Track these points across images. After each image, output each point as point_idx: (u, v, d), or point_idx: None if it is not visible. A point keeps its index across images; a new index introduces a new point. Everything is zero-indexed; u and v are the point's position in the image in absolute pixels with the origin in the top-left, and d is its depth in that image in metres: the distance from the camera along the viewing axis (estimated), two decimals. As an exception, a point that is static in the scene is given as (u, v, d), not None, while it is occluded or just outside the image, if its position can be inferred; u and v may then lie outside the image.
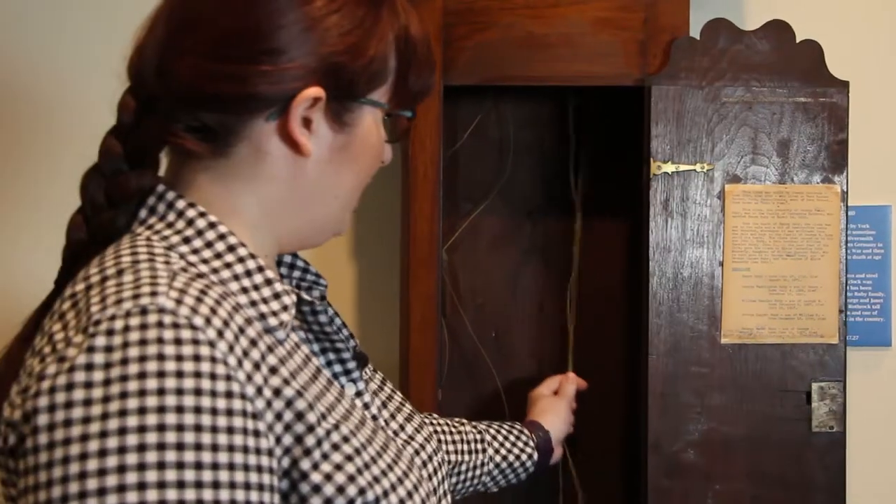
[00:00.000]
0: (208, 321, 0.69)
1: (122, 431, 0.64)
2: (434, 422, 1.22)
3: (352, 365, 0.87)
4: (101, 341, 0.67)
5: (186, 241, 0.77)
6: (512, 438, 1.25)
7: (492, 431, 1.25)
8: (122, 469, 0.64)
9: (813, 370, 1.39)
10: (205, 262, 0.77)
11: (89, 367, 0.66)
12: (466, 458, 1.19)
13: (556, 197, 1.60)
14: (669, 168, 1.38)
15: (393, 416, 0.91)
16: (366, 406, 0.88)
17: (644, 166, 1.40)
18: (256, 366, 0.71)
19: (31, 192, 1.62)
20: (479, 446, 1.21)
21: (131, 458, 0.64)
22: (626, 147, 1.51)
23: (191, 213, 0.79)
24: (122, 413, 0.65)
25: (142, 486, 0.64)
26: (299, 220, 0.84)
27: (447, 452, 1.19)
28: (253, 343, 0.72)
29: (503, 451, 1.23)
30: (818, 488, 1.38)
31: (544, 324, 1.60)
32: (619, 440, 1.57)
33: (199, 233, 0.78)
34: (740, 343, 1.39)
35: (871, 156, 1.60)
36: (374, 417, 0.88)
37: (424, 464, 0.89)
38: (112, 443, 0.64)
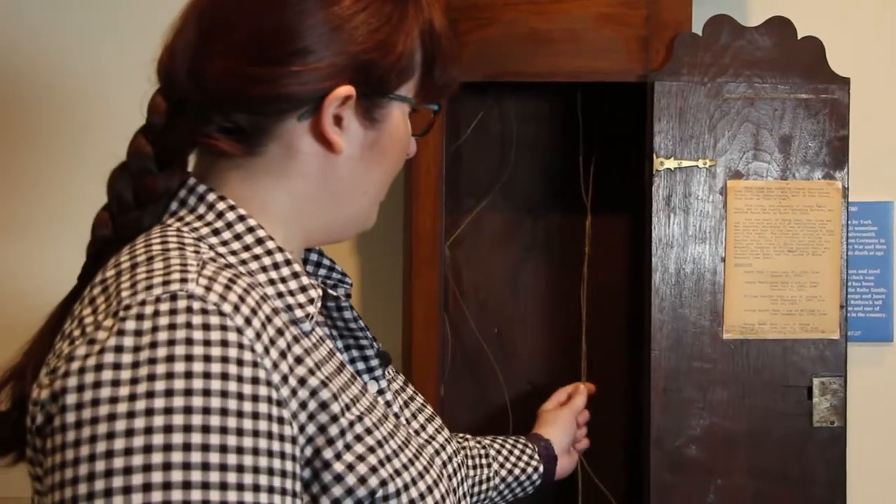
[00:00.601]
0: (237, 308, 0.70)
1: (150, 413, 0.65)
2: None
3: (375, 363, 0.88)
4: (130, 325, 0.68)
5: (216, 232, 0.79)
6: (517, 452, 1.25)
7: (496, 446, 1.25)
8: (147, 449, 0.64)
9: (814, 365, 1.40)
10: (233, 253, 0.78)
11: (118, 349, 0.67)
12: (472, 472, 1.19)
13: (558, 193, 1.60)
14: (672, 164, 1.39)
15: (414, 416, 0.92)
16: (388, 404, 0.88)
17: (647, 162, 1.40)
18: (283, 354, 0.72)
19: (52, 190, 1.62)
20: (484, 461, 1.21)
21: (157, 440, 0.65)
22: (629, 143, 1.51)
23: (221, 205, 0.80)
24: (150, 395, 0.65)
25: (167, 467, 0.64)
26: (329, 215, 0.85)
27: None
28: (280, 332, 0.73)
29: (508, 465, 1.23)
30: (819, 483, 1.39)
31: (547, 319, 1.60)
32: (621, 435, 1.58)
33: (229, 225, 0.79)
34: (742, 338, 1.39)
35: (873, 152, 1.60)
36: (396, 415, 0.88)
37: (445, 463, 0.89)
38: (139, 423, 0.65)
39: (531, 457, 1.25)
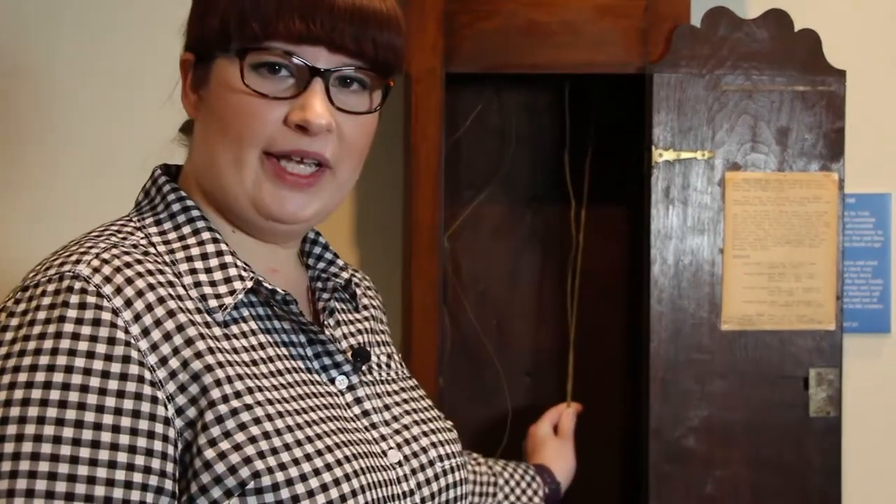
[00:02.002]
0: (118, 290, 0.73)
1: (12, 386, 0.69)
2: None
3: (340, 358, 0.86)
4: (21, 306, 0.73)
5: (158, 223, 0.83)
6: (523, 485, 1.27)
7: (505, 475, 1.26)
8: (3, 421, 0.68)
9: (811, 356, 1.40)
10: (166, 243, 0.81)
11: (4, 329, 0.72)
12: (478, 500, 1.20)
13: (557, 185, 1.60)
14: (670, 156, 1.39)
15: (396, 418, 0.88)
16: (357, 401, 0.86)
17: (645, 154, 1.40)
18: (167, 336, 0.74)
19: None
20: (492, 489, 1.22)
21: (14, 411, 0.68)
22: (627, 135, 1.52)
23: (171, 196, 0.84)
24: (16, 370, 0.69)
25: (19, 438, 0.67)
26: (212, 189, 0.85)
27: None
28: (171, 314, 0.75)
29: (512, 498, 1.25)
30: (815, 472, 1.40)
31: (546, 311, 1.60)
32: (619, 426, 1.58)
33: (172, 216, 0.83)
34: (740, 330, 1.40)
35: (871, 144, 1.61)
36: (366, 413, 0.85)
37: (422, 467, 0.85)
38: (0, 396, 0.69)
39: (535, 492, 1.28)
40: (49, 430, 0.68)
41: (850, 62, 1.43)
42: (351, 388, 0.86)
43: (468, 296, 1.59)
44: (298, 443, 0.75)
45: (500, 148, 1.60)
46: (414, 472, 0.85)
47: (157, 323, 0.74)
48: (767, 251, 1.41)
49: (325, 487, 0.74)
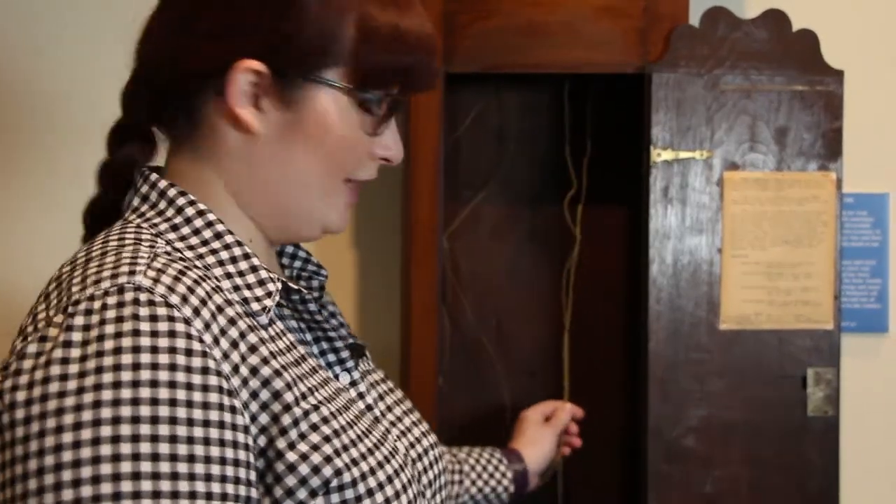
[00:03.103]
0: (185, 299, 0.70)
1: (97, 405, 0.65)
2: None
3: (345, 354, 0.87)
4: (79, 320, 0.68)
5: (175, 228, 0.79)
6: (490, 469, 1.27)
7: (470, 461, 1.26)
8: (95, 442, 0.64)
9: (808, 356, 1.41)
10: (191, 248, 0.78)
11: (67, 344, 0.67)
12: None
13: (556, 184, 1.61)
14: (669, 155, 1.39)
15: (390, 409, 0.91)
16: (360, 395, 0.87)
17: (644, 153, 1.40)
18: (234, 344, 0.72)
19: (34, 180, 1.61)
20: (457, 477, 1.22)
21: (105, 431, 0.65)
22: (626, 135, 1.52)
23: (181, 200, 0.80)
24: (97, 388, 0.65)
25: (115, 458, 0.64)
26: (270, 206, 0.83)
27: None
28: (232, 322, 0.73)
29: (479, 483, 1.25)
30: (813, 472, 1.40)
31: (545, 311, 1.61)
32: (618, 426, 1.59)
33: (188, 220, 0.79)
34: (738, 329, 1.40)
35: (869, 144, 1.61)
36: (370, 407, 0.87)
37: (420, 456, 0.88)
38: (87, 416, 0.65)
39: (503, 474, 1.27)
40: (146, 447, 0.65)
41: (848, 62, 1.43)
42: (353, 383, 0.87)
43: (467, 295, 1.60)
44: (359, 438, 0.78)
45: (499, 148, 1.60)
46: (414, 461, 0.87)
47: (223, 331, 0.72)
48: (766, 251, 1.41)
49: (389, 479, 0.78)
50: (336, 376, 0.86)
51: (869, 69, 1.62)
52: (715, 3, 1.41)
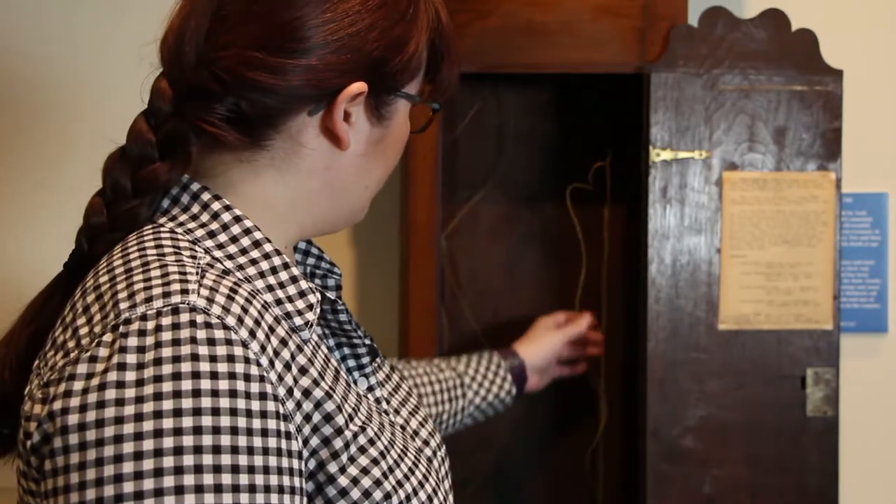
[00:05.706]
0: (240, 320, 0.68)
1: (158, 434, 0.63)
2: (413, 373, 1.23)
3: (365, 360, 0.86)
4: (133, 341, 0.66)
5: (211, 234, 0.76)
6: (490, 376, 1.31)
7: (470, 372, 1.29)
8: (158, 472, 0.62)
9: (808, 356, 1.40)
10: (230, 257, 0.76)
11: (122, 366, 0.65)
12: (448, 406, 1.22)
13: (555, 184, 1.61)
14: (668, 155, 1.39)
15: (397, 412, 0.89)
16: (378, 402, 0.87)
17: (643, 153, 1.40)
18: (287, 366, 0.71)
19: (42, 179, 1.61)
20: (460, 391, 1.25)
21: (168, 461, 0.63)
22: (624, 135, 1.52)
23: (216, 205, 0.77)
24: (157, 415, 0.63)
25: (179, 491, 0.62)
26: (327, 211, 0.83)
27: (429, 405, 1.21)
28: (283, 343, 0.71)
29: (482, 392, 1.29)
30: (813, 472, 1.40)
31: (544, 310, 1.60)
32: (617, 426, 1.58)
33: (225, 227, 0.77)
34: (737, 329, 1.40)
35: (868, 143, 1.61)
36: (387, 413, 0.87)
37: (435, 461, 0.88)
38: (148, 445, 0.63)
39: (504, 378, 1.32)
40: (209, 479, 0.63)
41: (847, 62, 1.43)
42: (370, 388, 0.87)
43: (466, 295, 1.59)
44: (400, 458, 0.78)
45: (497, 147, 1.60)
46: (436, 469, 0.87)
47: (276, 353, 0.70)
48: (765, 251, 1.41)
49: (430, 499, 0.79)
50: (355, 381, 0.86)
51: (868, 69, 1.62)
52: (714, 3, 1.41)
